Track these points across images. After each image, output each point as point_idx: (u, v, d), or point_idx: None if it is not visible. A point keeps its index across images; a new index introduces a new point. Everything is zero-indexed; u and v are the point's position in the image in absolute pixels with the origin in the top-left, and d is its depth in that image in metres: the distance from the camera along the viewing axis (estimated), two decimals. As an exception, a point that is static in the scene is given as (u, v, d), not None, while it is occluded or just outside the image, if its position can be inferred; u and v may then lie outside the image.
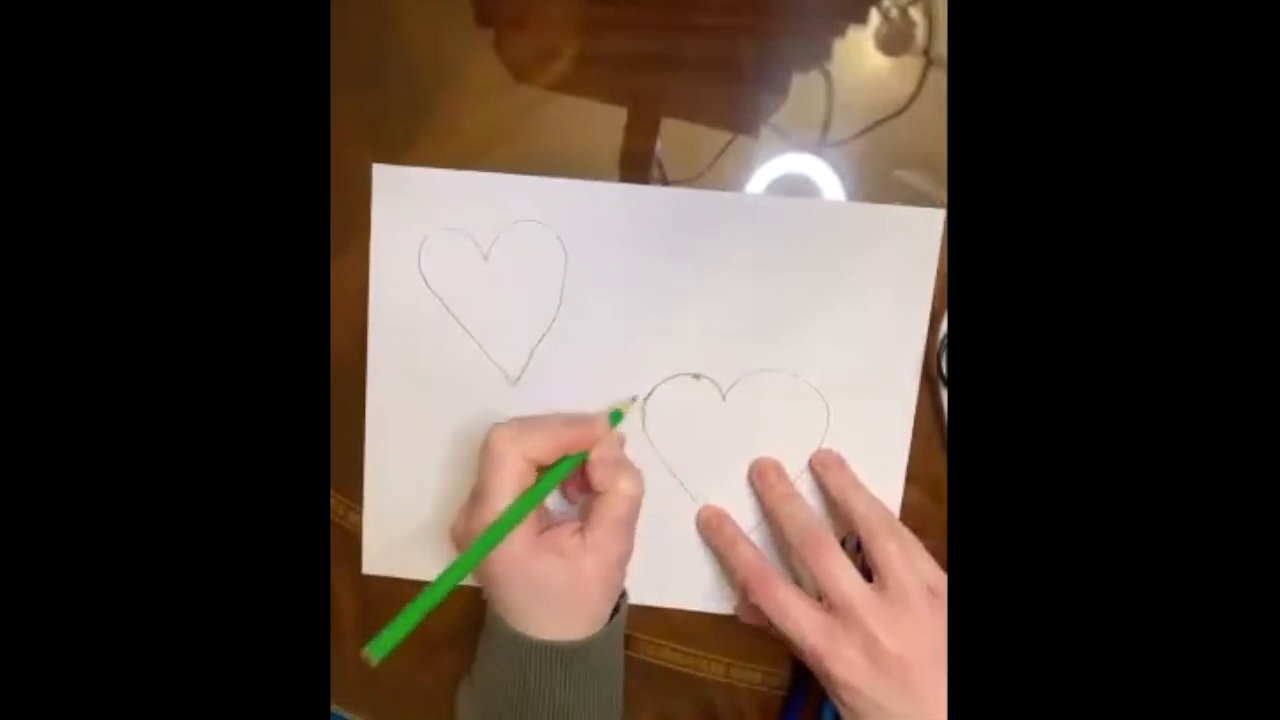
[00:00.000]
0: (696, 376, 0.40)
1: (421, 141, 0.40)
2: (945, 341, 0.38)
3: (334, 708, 0.44)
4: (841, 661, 0.33)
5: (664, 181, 0.40)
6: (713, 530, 0.40)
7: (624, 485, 0.36)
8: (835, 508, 0.39)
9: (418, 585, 0.43)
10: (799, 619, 0.35)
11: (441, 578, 0.33)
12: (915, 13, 0.38)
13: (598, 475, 0.36)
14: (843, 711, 0.35)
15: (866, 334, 0.39)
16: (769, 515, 0.39)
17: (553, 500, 0.37)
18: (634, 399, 0.40)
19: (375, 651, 0.30)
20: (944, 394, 0.39)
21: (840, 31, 0.38)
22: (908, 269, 0.39)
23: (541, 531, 0.36)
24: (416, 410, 0.42)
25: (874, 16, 0.38)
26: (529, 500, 0.35)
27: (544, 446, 0.35)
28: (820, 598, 0.36)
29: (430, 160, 0.40)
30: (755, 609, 0.38)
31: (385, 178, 0.40)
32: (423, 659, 0.44)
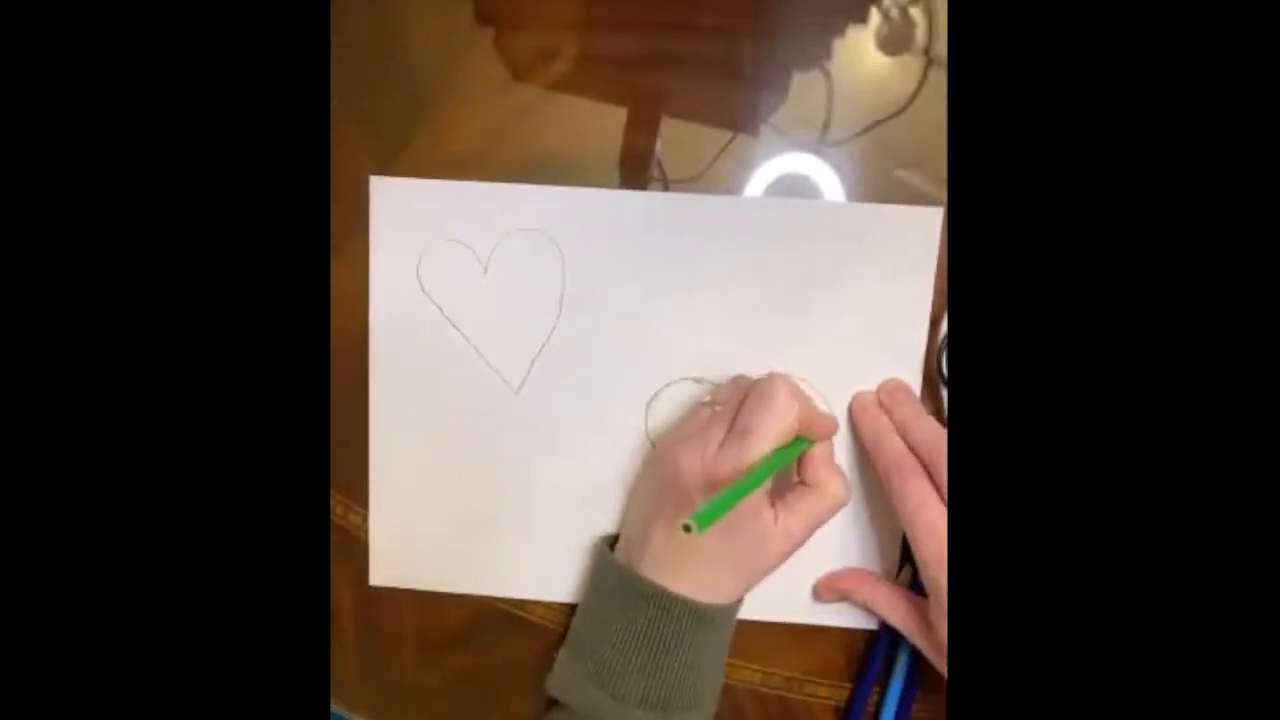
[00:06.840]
0: (698, 380, 0.40)
1: (421, 141, 0.40)
2: (945, 341, 0.38)
3: (334, 708, 0.44)
4: None
5: (664, 181, 0.40)
6: (868, 415, 0.39)
7: (836, 488, 0.37)
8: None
9: (419, 594, 0.43)
10: (934, 517, 0.35)
11: (752, 477, 0.33)
12: (915, 13, 0.38)
13: (814, 469, 0.37)
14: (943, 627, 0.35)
15: (866, 334, 0.39)
16: (900, 430, 0.38)
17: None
18: None
19: (699, 524, 0.29)
20: (944, 394, 0.39)
21: (840, 31, 0.38)
22: (908, 269, 0.38)
23: None
24: (419, 423, 0.42)
25: (874, 16, 0.38)
26: (780, 457, 0.35)
27: (805, 415, 0.36)
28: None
29: (430, 159, 0.40)
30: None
31: (382, 191, 0.40)
32: (423, 659, 0.44)
